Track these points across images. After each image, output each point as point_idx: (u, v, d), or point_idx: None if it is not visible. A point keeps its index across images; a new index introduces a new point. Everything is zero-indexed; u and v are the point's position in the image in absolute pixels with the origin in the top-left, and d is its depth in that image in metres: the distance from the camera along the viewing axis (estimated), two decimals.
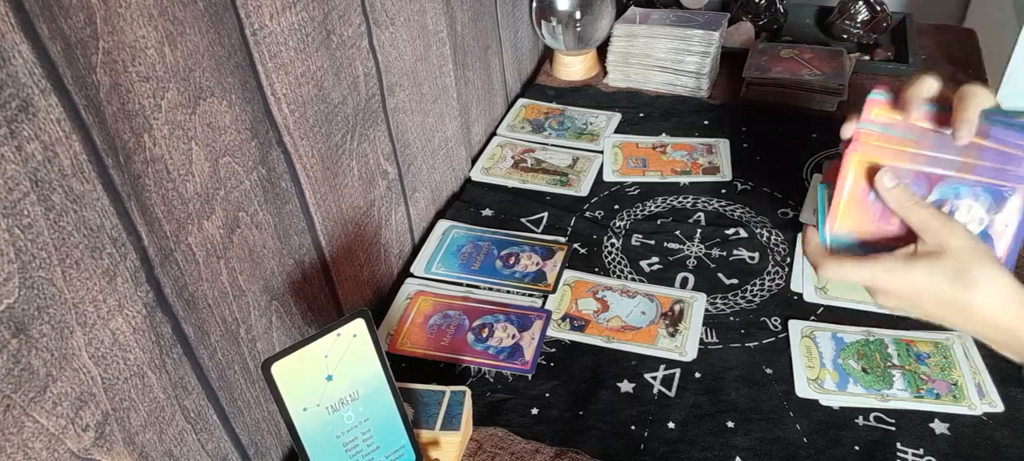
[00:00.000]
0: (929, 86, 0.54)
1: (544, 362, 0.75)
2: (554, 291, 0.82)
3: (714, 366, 0.73)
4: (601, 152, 1.06)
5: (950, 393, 0.67)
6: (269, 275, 0.64)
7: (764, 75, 1.14)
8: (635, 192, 0.98)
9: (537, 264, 0.86)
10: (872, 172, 0.56)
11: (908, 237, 0.56)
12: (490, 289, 0.84)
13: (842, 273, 0.57)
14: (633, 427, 0.68)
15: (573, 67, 1.26)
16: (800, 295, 0.80)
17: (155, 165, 0.50)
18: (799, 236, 0.88)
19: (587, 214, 0.95)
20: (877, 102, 0.55)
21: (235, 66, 0.56)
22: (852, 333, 0.74)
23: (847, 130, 0.57)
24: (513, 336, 0.77)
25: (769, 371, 0.72)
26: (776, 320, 0.77)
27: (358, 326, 0.54)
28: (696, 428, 0.67)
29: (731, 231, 0.90)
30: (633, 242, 0.90)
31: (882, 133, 0.55)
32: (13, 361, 0.41)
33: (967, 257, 0.53)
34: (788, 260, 0.85)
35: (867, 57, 1.20)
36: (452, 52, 0.93)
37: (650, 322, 0.78)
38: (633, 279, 0.84)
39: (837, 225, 0.57)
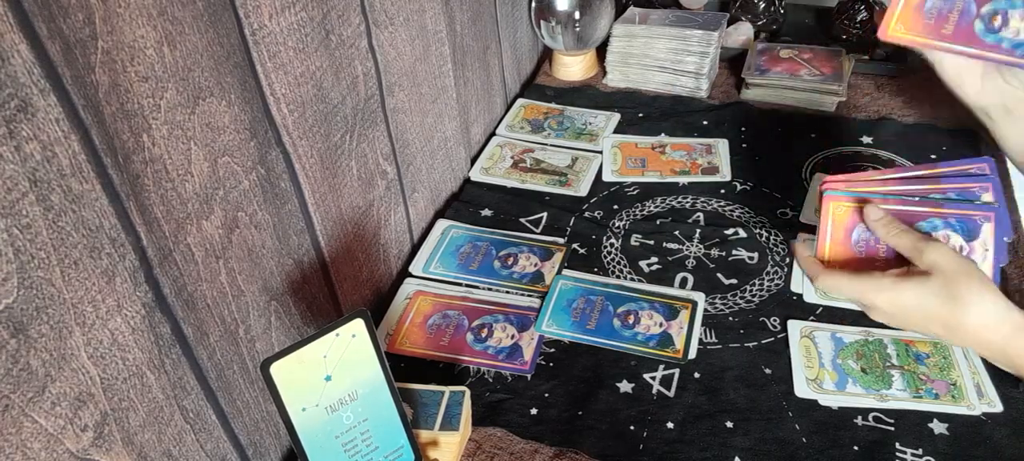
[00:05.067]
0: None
1: (543, 362, 0.75)
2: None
3: (713, 366, 0.73)
4: (600, 152, 1.06)
5: (949, 393, 0.67)
6: (268, 275, 0.64)
7: (763, 75, 1.14)
8: (634, 192, 0.98)
9: (536, 265, 0.86)
10: (849, 214, 0.62)
11: (898, 261, 0.60)
12: (489, 289, 0.84)
13: (836, 285, 0.61)
14: (632, 427, 0.68)
15: (572, 67, 1.26)
16: (799, 295, 0.80)
17: (154, 165, 0.50)
18: (799, 236, 0.88)
19: (586, 214, 0.95)
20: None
21: (234, 66, 0.56)
22: (851, 333, 0.74)
23: (827, 186, 0.62)
24: (512, 336, 0.77)
25: (768, 371, 0.72)
26: (775, 320, 0.77)
27: (357, 326, 0.54)
28: (695, 428, 0.67)
29: (730, 231, 0.90)
30: (632, 242, 0.89)
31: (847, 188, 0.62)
32: (12, 361, 0.41)
33: (955, 277, 0.55)
34: (787, 260, 0.85)
35: (866, 57, 1.20)
36: (451, 52, 0.93)
37: None
38: (632, 279, 0.84)
39: (828, 259, 0.64)
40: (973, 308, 0.54)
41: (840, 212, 0.62)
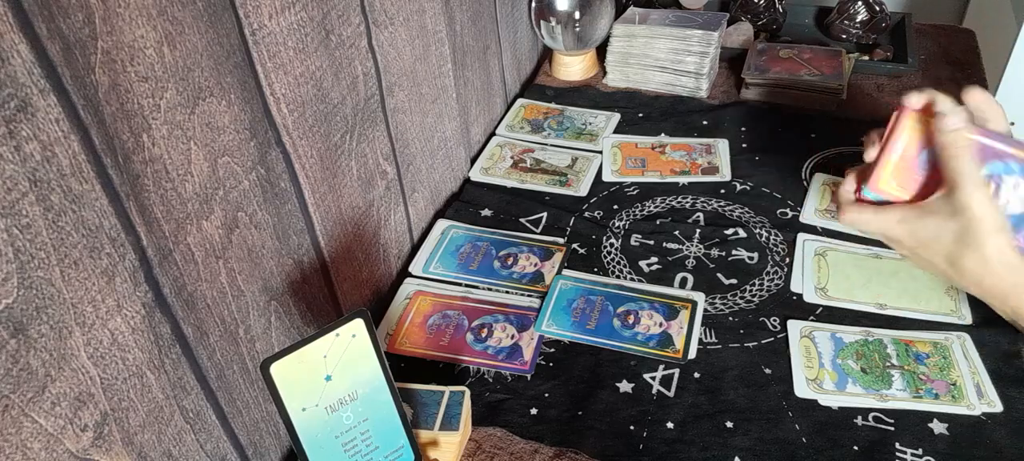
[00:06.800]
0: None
1: (543, 362, 0.75)
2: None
3: (713, 366, 0.73)
4: (600, 152, 1.06)
5: (949, 393, 0.67)
6: (268, 275, 0.64)
7: (763, 75, 1.14)
8: (634, 192, 0.98)
9: (535, 265, 0.86)
10: (923, 140, 0.58)
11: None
12: (489, 289, 0.84)
13: (860, 220, 0.60)
14: (632, 427, 0.68)
15: (572, 67, 1.26)
16: (799, 295, 0.80)
17: (154, 165, 0.50)
18: (799, 236, 0.88)
19: (586, 214, 0.95)
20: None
21: (234, 66, 0.56)
22: (851, 333, 0.74)
23: (914, 100, 0.58)
24: (512, 336, 0.77)
25: (768, 371, 0.72)
26: (775, 320, 0.77)
27: (357, 326, 0.54)
28: (695, 428, 0.67)
29: (730, 231, 0.90)
30: (632, 242, 0.90)
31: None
32: (12, 361, 0.41)
33: (979, 224, 0.54)
34: (787, 260, 0.85)
35: (866, 57, 1.20)
36: (451, 52, 0.93)
37: None
38: (632, 279, 0.84)
39: (882, 182, 0.60)
40: (985, 253, 0.54)
41: (920, 129, 0.59)
